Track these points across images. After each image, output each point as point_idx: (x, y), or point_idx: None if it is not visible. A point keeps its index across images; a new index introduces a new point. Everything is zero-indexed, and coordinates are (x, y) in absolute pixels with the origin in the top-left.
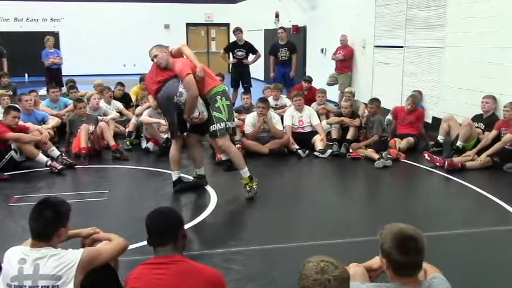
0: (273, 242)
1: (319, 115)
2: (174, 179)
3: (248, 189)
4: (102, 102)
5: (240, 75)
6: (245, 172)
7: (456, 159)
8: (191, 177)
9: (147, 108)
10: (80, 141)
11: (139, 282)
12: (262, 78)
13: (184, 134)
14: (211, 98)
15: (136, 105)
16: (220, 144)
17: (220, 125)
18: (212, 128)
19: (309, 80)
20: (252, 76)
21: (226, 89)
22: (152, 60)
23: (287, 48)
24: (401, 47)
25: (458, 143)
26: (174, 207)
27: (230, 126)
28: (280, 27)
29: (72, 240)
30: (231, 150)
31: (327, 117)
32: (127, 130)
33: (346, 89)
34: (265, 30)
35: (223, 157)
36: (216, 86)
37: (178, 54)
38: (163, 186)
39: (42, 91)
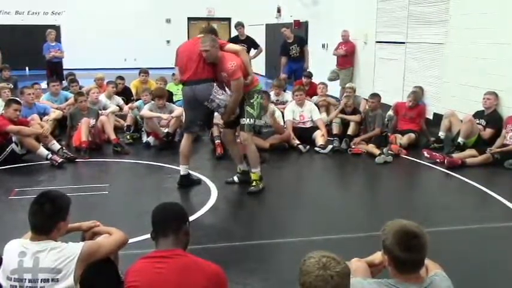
0: (274, 236)
1: (319, 107)
2: (182, 173)
3: (254, 184)
4: (102, 96)
5: None
6: (258, 171)
7: (456, 155)
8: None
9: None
10: (80, 134)
11: (139, 276)
12: (264, 73)
13: (194, 131)
14: (250, 93)
15: (137, 99)
16: (244, 138)
17: (250, 120)
18: (242, 121)
19: (309, 75)
20: (253, 71)
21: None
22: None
23: (297, 45)
24: (403, 42)
25: (460, 140)
26: (174, 200)
27: (257, 124)
28: (283, 27)
29: (72, 234)
30: (251, 148)
31: (327, 109)
32: (125, 124)
33: (347, 85)
34: (266, 25)
35: (241, 167)
36: (256, 85)
37: (230, 51)
38: (164, 180)
39: (43, 85)
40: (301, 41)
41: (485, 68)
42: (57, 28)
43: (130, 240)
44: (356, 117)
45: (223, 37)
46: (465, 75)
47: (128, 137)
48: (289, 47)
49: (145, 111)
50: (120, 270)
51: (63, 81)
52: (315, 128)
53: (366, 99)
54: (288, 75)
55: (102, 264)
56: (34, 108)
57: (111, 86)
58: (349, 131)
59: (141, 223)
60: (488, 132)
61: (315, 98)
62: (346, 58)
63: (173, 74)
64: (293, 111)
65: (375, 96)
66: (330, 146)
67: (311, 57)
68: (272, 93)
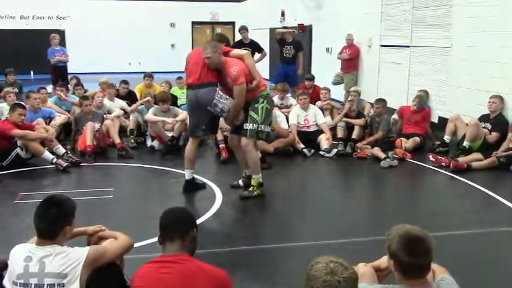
0: (279, 241)
1: (323, 110)
2: (187, 177)
3: (250, 189)
4: (106, 99)
5: None
6: (258, 177)
7: (462, 159)
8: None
9: (141, 104)
10: (85, 138)
11: (144, 280)
12: (268, 77)
13: (198, 135)
14: (256, 98)
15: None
16: (244, 144)
17: (252, 125)
18: (245, 126)
19: (312, 78)
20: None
21: (270, 93)
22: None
23: (292, 46)
24: (408, 46)
25: (465, 143)
26: (179, 205)
27: (262, 130)
28: (283, 27)
29: (77, 238)
30: (251, 154)
31: (331, 113)
32: (128, 128)
33: (352, 89)
34: (270, 29)
35: (246, 172)
36: (263, 90)
37: (235, 57)
38: (169, 185)
39: (49, 89)
40: (298, 45)
41: (490, 72)
42: (62, 33)
43: (136, 244)
44: (360, 121)
45: None
46: (470, 78)
47: (132, 140)
48: (285, 44)
49: (150, 116)
50: (125, 275)
51: (68, 85)
52: (320, 131)
53: (371, 103)
54: (281, 79)
55: (107, 269)
56: (39, 113)
57: (112, 90)
58: (354, 135)
59: (146, 227)
60: (493, 135)
61: (318, 102)
62: (351, 62)
63: (179, 78)
64: (297, 115)
65: (380, 101)
66: (335, 150)
67: (315, 61)
68: (276, 97)
